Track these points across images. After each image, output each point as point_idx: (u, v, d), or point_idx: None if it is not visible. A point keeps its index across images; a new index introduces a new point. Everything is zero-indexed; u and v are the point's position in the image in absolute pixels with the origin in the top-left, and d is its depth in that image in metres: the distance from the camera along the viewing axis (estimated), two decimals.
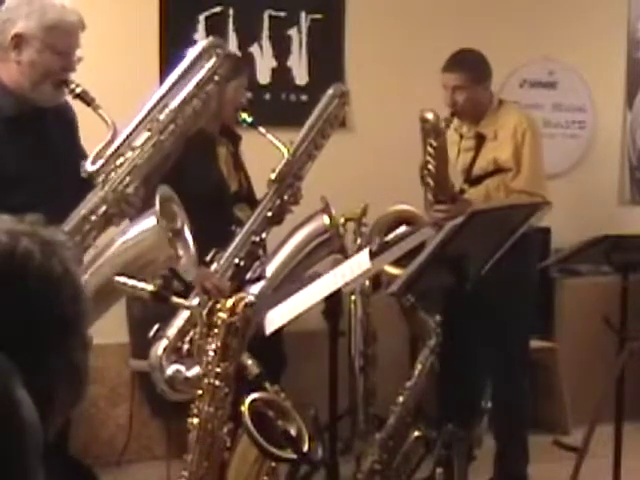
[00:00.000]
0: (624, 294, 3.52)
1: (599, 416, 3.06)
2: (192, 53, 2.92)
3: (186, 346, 3.01)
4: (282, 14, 4.75)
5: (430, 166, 3.86)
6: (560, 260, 3.77)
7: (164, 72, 4.52)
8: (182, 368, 2.99)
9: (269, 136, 3.42)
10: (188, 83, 2.88)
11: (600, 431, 3.13)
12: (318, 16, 4.81)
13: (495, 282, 3.69)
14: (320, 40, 4.82)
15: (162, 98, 2.86)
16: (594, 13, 5.38)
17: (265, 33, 4.71)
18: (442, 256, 2.96)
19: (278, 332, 3.99)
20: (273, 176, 3.41)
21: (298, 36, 4.78)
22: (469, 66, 4.02)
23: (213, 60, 2.91)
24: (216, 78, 2.91)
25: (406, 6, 4.99)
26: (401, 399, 3.58)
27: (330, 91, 3.64)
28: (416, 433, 3.49)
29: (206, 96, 2.90)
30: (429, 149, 3.84)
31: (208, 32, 4.56)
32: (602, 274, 3.72)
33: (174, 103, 2.85)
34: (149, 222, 2.67)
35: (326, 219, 3.36)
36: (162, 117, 2.83)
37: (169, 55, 4.54)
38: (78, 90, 2.75)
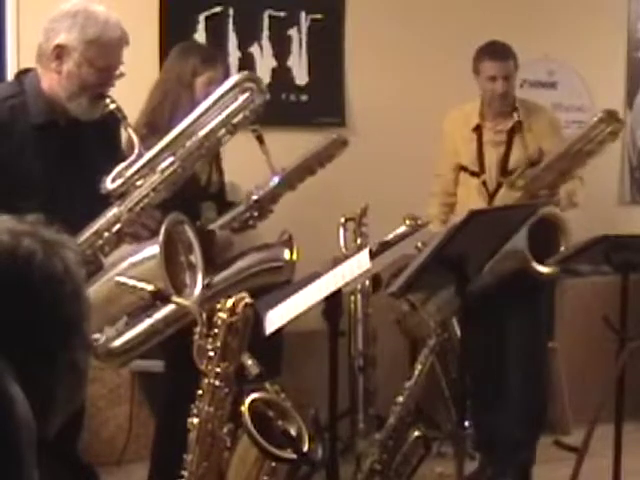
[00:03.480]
0: (624, 294, 3.51)
1: (599, 416, 3.05)
2: (227, 84, 2.90)
3: None
4: (282, 14, 4.74)
5: (570, 159, 3.81)
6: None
7: None
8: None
9: (268, 157, 3.31)
10: (219, 113, 2.86)
11: (600, 431, 3.12)
12: (318, 16, 4.80)
13: (520, 284, 3.71)
14: (320, 40, 4.82)
15: (191, 125, 2.85)
16: (594, 13, 5.38)
17: (265, 33, 4.71)
18: (442, 256, 2.95)
19: (279, 345, 3.99)
20: (255, 197, 3.39)
21: (298, 36, 4.78)
22: (513, 54, 4.04)
23: (246, 95, 2.88)
24: (247, 113, 2.88)
25: (406, 6, 4.99)
26: (401, 399, 3.58)
27: (334, 136, 3.61)
28: (416, 433, 3.49)
29: (233, 128, 2.89)
30: (588, 146, 3.75)
31: (208, 32, 4.57)
32: (602, 274, 3.71)
33: (202, 131, 2.85)
34: (153, 249, 2.66)
35: (287, 253, 3.34)
36: (188, 144, 2.83)
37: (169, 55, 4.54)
38: (112, 106, 2.77)
